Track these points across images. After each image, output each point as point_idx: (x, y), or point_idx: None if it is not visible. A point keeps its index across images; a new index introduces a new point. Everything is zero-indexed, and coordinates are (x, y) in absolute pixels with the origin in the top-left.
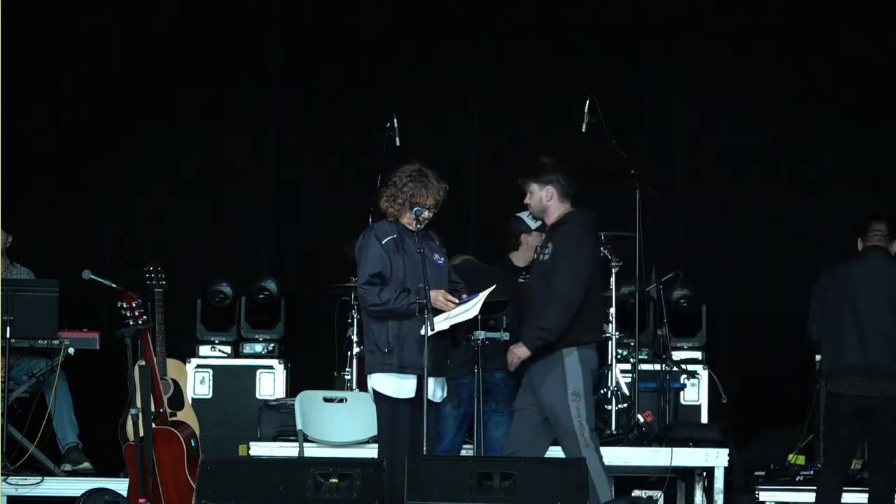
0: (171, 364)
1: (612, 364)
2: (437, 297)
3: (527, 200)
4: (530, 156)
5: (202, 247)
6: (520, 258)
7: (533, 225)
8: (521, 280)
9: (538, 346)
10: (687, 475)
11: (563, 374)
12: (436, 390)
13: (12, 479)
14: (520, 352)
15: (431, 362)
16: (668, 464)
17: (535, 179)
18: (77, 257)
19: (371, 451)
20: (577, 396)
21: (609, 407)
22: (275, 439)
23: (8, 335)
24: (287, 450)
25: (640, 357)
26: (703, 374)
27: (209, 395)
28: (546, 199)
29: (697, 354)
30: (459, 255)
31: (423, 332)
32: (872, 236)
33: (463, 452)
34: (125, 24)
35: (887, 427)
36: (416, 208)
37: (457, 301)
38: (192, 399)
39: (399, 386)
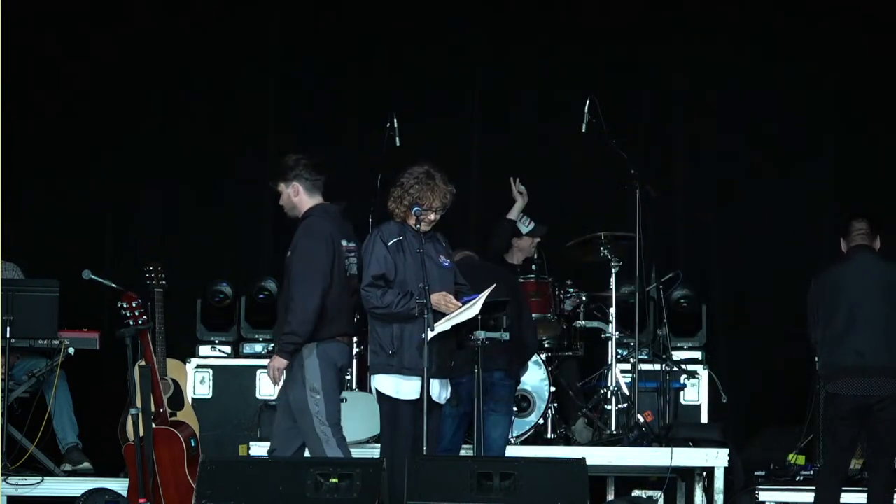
0: (171, 364)
1: (612, 364)
2: (439, 300)
3: (280, 202)
4: (530, 155)
5: (202, 247)
6: (513, 257)
7: (524, 229)
8: (522, 280)
9: (291, 351)
10: (687, 475)
11: (303, 371)
12: (440, 391)
13: (12, 479)
14: (276, 363)
15: (435, 364)
16: (668, 464)
17: (282, 178)
18: (77, 257)
19: (371, 451)
20: (315, 392)
21: (609, 407)
22: None
23: (8, 335)
24: None
25: (640, 357)
26: (703, 374)
27: (209, 395)
28: (294, 196)
29: (697, 354)
30: (460, 252)
31: (423, 335)
32: (856, 236)
33: (462, 452)
34: (125, 24)
35: (886, 426)
36: (415, 209)
37: (458, 304)
38: (192, 399)
39: (401, 387)
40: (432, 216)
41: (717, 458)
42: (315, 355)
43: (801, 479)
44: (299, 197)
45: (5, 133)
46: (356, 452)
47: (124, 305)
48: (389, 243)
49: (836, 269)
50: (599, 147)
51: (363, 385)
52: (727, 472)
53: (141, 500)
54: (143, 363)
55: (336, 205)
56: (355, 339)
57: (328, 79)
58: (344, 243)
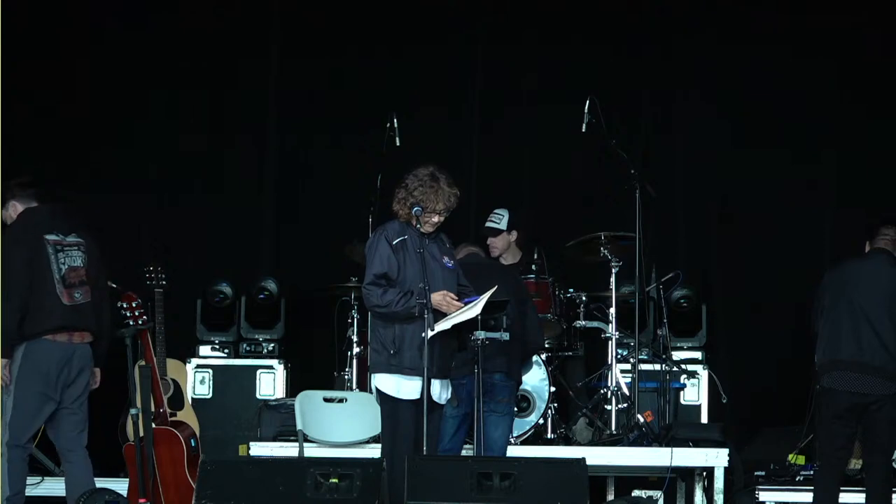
0: (171, 364)
1: (612, 364)
2: (440, 299)
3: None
4: (530, 155)
5: (202, 247)
6: (507, 258)
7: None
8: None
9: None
10: (687, 475)
11: (11, 370)
12: (441, 392)
13: None
14: None
15: (437, 364)
16: (668, 464)
17: (1, 207)
18: None
19: (371, 451)
20: (8, 392)
21: (609, 407)
22: (275, 439)
23: None
24: (287, 450)
25: (640, 357)
26: (703, 374)
27: (209, 395)
28: (14, 215)
29: (697, 354)
30: (465, 247)
31: (423, 334)
32: (879, 239)
33: (463, 453)
34: (125, 24)
35: (882, 426)
36: (415, 208)
37: (459, 303)
38: (192, 399)
39: (402, 386)
40: (435, 218)
41: (717, 458)
42: (20, 355)
43: (801, 479)
44: (15, 211)
45: (5, 131)
46: (356, 452)
47: (124, 305)
48: (394, 242)
49: (850, 265)
50: (599, 147)
51: (363, 385)
52: (727, 472)
53: (141, 500)
54: (143, 363)
55: (46, 205)
56: (355, 339)
57: (328, 78)
58: (56, 237)
